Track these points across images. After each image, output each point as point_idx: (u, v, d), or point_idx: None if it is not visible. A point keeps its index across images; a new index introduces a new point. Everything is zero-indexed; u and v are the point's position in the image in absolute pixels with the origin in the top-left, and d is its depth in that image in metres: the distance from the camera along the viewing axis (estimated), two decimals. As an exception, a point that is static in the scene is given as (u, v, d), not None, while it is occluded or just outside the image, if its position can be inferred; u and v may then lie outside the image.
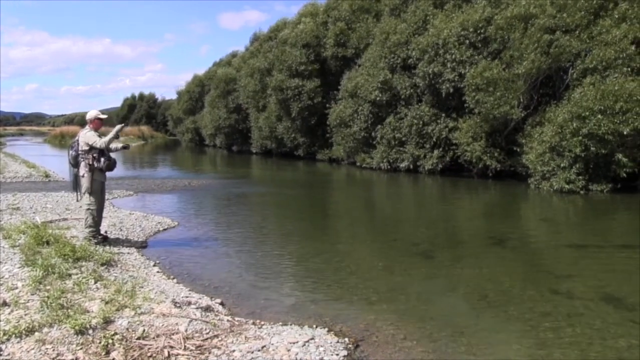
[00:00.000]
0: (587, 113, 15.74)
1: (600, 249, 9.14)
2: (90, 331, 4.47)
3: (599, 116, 15.49)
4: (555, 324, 5.39)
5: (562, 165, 16.33)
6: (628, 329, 5.25)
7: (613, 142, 15.61)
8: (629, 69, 16.82)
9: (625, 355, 4.66)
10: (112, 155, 8.22)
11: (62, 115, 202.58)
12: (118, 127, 8.17)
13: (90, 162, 7.84)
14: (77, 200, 8.49)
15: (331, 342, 4.72)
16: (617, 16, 17.80)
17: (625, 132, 15.35)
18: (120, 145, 8.31)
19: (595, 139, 15.60)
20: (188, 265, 7.61)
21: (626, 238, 10.36)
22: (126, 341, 4.39)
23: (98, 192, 8.01)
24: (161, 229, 10.17)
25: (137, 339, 4.45)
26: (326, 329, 5.09)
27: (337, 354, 4.47)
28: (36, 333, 4.34)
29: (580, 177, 16.03)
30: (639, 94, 15.66)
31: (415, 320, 5.47)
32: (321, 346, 4.60)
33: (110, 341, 4.33)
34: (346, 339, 4.85)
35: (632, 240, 10.01)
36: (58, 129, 69.12)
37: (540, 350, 4.75)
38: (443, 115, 22.03)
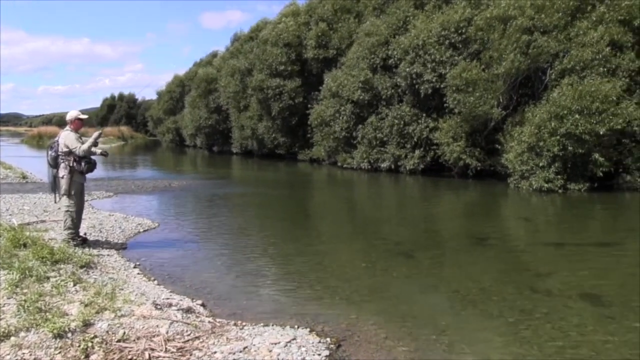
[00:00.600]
0: (565, 112, 15.98)
1: (578, 247, 9.28)
2: (69, 334, 4.41)
3: (577, 116, 15.74)
4: (534, 321, 5.46)
5: (540, 164, 16.54)
6: (604, 325, 5.34)
7: (590, 141, 15.87)
8: (605, 70, 17.14)
9: (601, 351, 4.73)
10: (93, 156, 8.13)
11: (40, 116, 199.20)
12: (96, 134, 8.04)
13: (71, 164, 7.73)
14: (56, 202, 8.38)
15: (313, 342, 4.72)
16: (594, 18, 18.10)
17: (601, 132, 15.62)
18: (98, 151, 8.21)
19: (572, 139, 15.84)
20: (169, 266, 7.55)
21: (603, 236, 10.55)
22: (106, 344, 4.34)
23: (78, 194, 7.91)
24: (141, 230, 10.07)
25: (117, 341, 4.40)
26: (308, 329, 5.09)
27: (319, 354, 4.47)
28: (12, 338, 4.26)
29: (559, 177, 16.26)
30: (613, 94, 15.99)
31: (396, 320, 5.49)
32: (303, 346, 4.60)
33: (89, 344, 4.27)
34: (328, 339, 4.85)
35: (608, 238, 10.21)
36: (35, 130, 68.21)
37: (519, 348, 4.80)
38: (424, 115, 22.18)
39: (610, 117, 15.80)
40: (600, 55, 17.20)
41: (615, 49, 17.64)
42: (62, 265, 6.44)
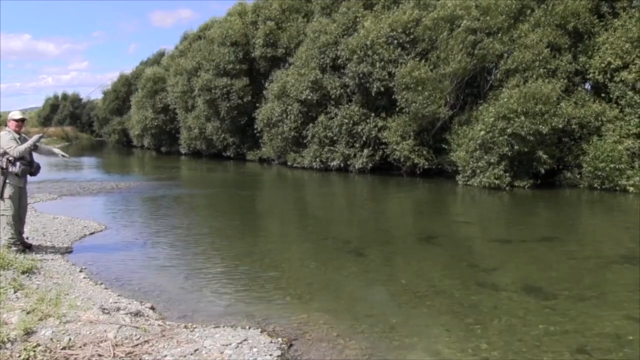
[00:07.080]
0: (512, 115, 16.52)
1: (523, 242, 9.59)
2: (9, 345, 4.23)
3: (522, 118, 16.30)
4: (482, 315, 5.63)
5: (490, 161, 16.93)
6: (546, 317, 5.56)
7: (534, 140, 16.48)
8: (546, 71, 17.85)
9: (544, 342, 4.93)
10: (37, 159, 7.83)
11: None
12: (36, 137, 7.72)
13: (4, 166, 7.34)
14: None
15: (264, 343, 4.71)
16: (533, 21, 18.82)
17: (544, 132, 16.26)
18: (59, 152, 8.14)
19: (518, 138, 16.41)
20: (116, 269, 7.38)
21: (545, 232, 10.93)
22: (50, 352, 4.20)
23: (15, 198, 7.54)
24: (87, 233, 9.80)
25: (62, 349, 4.27)
26: (259, 330, 5.09)
27: (271, 354, 4.48)
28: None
29: (506, 174, 16.74)
30: (554, 96, 16.71)
31: (347, 318, 5.54)
32: (255, 347, 4.59)
33: (32, 353, 4.12)
34: (280, 339, 4.86)
35: (550, 233, 10.60)
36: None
37: (468, 342, 4.94)
38: (372, 114, 22.40)
39: (552, 117, 16.47)
40: (541, 57, 17.92)
41: (554, 51, 18.38)
42: (1, 272, 6.20)
